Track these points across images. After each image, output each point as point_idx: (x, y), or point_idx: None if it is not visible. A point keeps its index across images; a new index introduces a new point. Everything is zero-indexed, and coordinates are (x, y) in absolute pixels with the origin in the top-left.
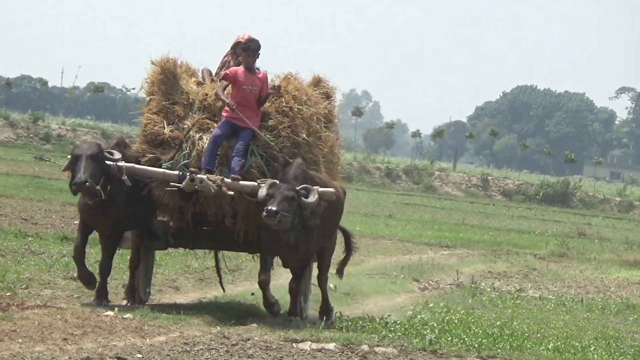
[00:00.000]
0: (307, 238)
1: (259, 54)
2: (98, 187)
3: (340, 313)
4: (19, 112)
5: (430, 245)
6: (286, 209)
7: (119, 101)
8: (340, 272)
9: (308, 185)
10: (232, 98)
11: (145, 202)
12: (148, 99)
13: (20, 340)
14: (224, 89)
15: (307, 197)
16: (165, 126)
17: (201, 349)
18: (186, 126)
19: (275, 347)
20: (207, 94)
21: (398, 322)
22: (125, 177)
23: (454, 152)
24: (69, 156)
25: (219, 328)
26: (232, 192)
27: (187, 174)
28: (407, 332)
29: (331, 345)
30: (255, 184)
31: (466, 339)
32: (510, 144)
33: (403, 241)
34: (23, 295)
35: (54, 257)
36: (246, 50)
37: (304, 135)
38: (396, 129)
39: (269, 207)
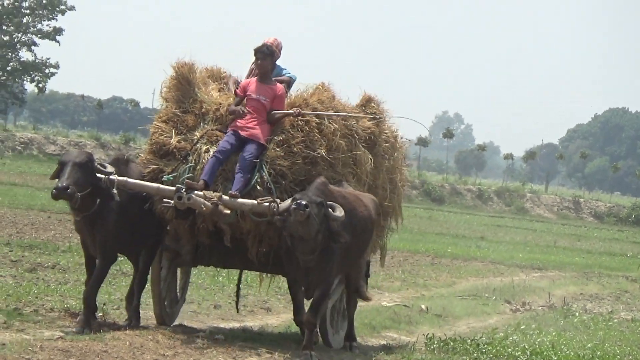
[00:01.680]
0: (327, 262)
1: (275, 58)
2: (78, 195)
3: (433, 334)
4: (110, 134)
5: (522, 267)
6: (314, 212)
7: None
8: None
9: (333, 203)
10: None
11: (150, 219)
12: (162, 105)
13: None
14: (237, 104)
15: (334, 211)
16: (173, 136)
17: None
18: (195, 137)
19: None
20: (220, 104)
21: (490, 343)
22: (115, 191)
23: (545, 174)
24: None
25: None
26: (228, 211)
27: (180, 190)
28: (499, 354)
29: None
30: (255, 202)
31: None
32: (602, 166)
33: (495, 263)
34: (115, 316)
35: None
36: (257, 54)
37: (323, 152)
38: (488, 151)
39: (299, 201)
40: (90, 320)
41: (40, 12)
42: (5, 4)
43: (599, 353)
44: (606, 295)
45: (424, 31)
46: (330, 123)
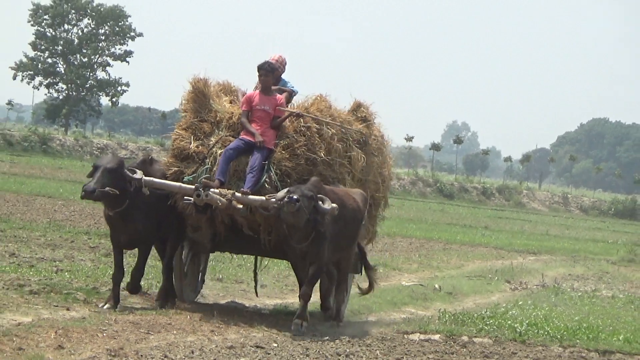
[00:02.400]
0: (318, 247)
1: (277, 73)
2: (100, 193)
3: (445, 309)
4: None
5: (520, 252)
6: (305, 205)
7: None
8: (368, 292)
9: (323, 196)
10: (251, 118)
11: (172, 215)
12: (182, 115)
13: (174, 332)
14: (246, 117)
15: (323, 203)
16: (192, 141)
17: (326, 339)
18: (211, 142)
19: (389, 338)
20: (232, 113)
21: (492, 317)
22: (145, 188)
23: (539, 174)
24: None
25: (340, 322)
26: (241, 206)
27: (199, 188)
28: (500, 326)
29: (436, 336)
30: (264, 198)
31: (550, 331)
32: (587, 167)
33: (497, 249)
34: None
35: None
36: (260, 71)
37: (322, 155)
38: (491, 154)
39: (291, 195)
40: (117, 297)
41: (114, 38)
42: (84, 31)
43: (584, 325)
44: (590, 276)
45: (439, 51)
46: (328, 129)
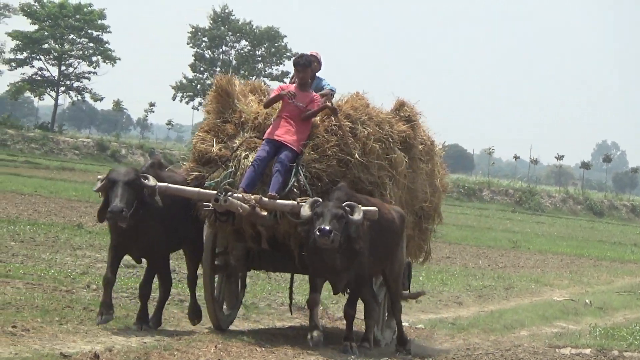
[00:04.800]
0: (353, 261)
1: (313, 69)
2: (128, 213)
3: (595, 324)
4: None
5: None
6: (336, 228)
7: None
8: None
9: (352, 203)
10: (279, 112)
11: (188, 224)
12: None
13: (332, 345)
14: (270, 102)
15: (352, 215)
16: (214, 144)
17: (480, 354)
18: (235, 145)
19: (541, 352)
20: (258, 113)
21: None
22: (158, 197)
23: None
24: (102, 177)
25: (493, 336)
26: (265, 213)
27: (219, 193)
28: None
29: (587, 350)
30: (295, 203)
31: None
32: None
33: None
34: (334, 309)
35: None
36: (296, 66)
37: (357, 155)
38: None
39: (322, 227)
40: (110, 308)
41: (270, 59)
42: (241, 53)
43: None
44: None
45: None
46: (364, 128)
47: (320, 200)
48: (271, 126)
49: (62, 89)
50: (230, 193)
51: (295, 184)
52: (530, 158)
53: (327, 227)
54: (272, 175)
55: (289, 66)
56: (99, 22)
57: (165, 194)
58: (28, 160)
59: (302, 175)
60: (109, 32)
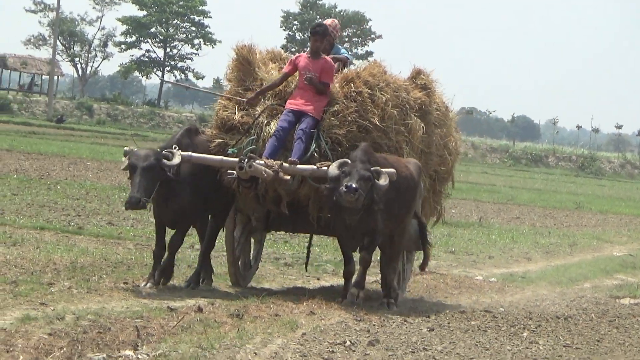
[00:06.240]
0: (369, 221)
1: (330, 38)
2: (148, 201)
3: None
4: None
5: None
6: (363, 188)
7: (483, 121)
8: (423, 268)
9: (379, 168)
10: (298, 82)
11: (217, 190)
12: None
13: (412, 298)
14: (282, 80)
15: (378, 180)
16: (237, 112)
17: (547, 304)
18: (256, 112)
19: (603, 302)
20: None
21: None
22: (174, 169)
23: None
24: (127, 150)
25: (559, 288)
26: (288, 177)
27: (242, 160)
28: None
29: None
30: (314, 167)
31: None
32: None
33: None
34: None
35: (437, 236)
36: (313, 35)
37: (376, 121)
38: None
39: (349, 184)
40: (159, 275)
41: (356, 40)
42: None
43: None
44: None
45: None
46: (382, 94)
47: (349, 161)
48: (291, 96)
49: (167, 68)
50: (252, 160)
51: (317, 149)
52: (592, 127)
53: (354, 185)
54: (294, 143)
55: (373, 47)
56: (200, 8)
57: (190, 163)
58: (137, 133)
59: (322, 140)
60: (210, 17)
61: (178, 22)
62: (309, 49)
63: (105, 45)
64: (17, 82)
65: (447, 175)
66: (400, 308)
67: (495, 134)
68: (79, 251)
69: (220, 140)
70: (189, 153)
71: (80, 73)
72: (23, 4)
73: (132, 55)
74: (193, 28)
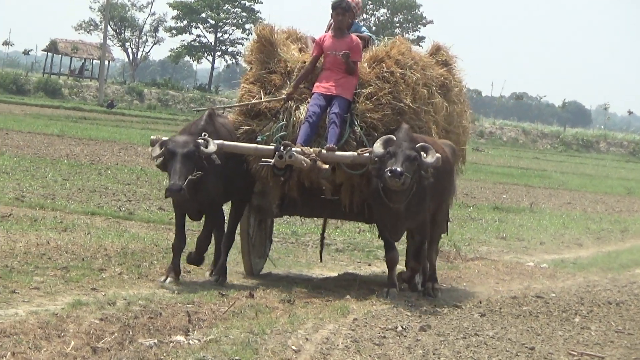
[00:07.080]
0: (418, 206)
1: (353, 14)
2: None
3: None
4: None
5: None
6: (409, 170)
7: (534, 106)
8: None
9: (426, 145)
10: (323, 64)
11: (241, 176)
12: (248, 68)
13: (464, 284)
14: (313, 63)
15: (426, 157)
16: (262, 96)
17: (599, 290)
18: (284, 96)
19: None
20: (304, 62)
21: None
22: (215, 155)
23: None
24: (155, 139)
25: (611, 275)
26: (327, 166)
27: (279, 148)
28: None
29: None
30: (355, 154)
31: None
32: None
33: None
34: (466, 251)
35: (488, 222)
36: (335, 9)
37: (409, 102)
38: None
39: (394, 168)
40: (178, 268)
41: (407, 25)
42: (381, 20)
43: None
44: None
45: None
46: (412, 73)
47: (394, 138)
48: (317, 79)
49: (218, 53)
50: (290, 147)
51: (352, 135)
52: None
53: (399, 169)
54: (328, 127)
55: (424, 32)
56: None
57: (221, 152)
58: (187, 119)
59: (357, 125)
60: (260, 2)
61: (229, 7)
62: (331, 27)
63: (156, 30)
64: (68, 67)
65: (460, 152)
66: (451, 293)
67: (546, 119)
68: (129, 237)
69: (247, 127)
70: (221, 141)
71: (131, 58)
72: None
73: (183, 40)
74: (244, 13)
